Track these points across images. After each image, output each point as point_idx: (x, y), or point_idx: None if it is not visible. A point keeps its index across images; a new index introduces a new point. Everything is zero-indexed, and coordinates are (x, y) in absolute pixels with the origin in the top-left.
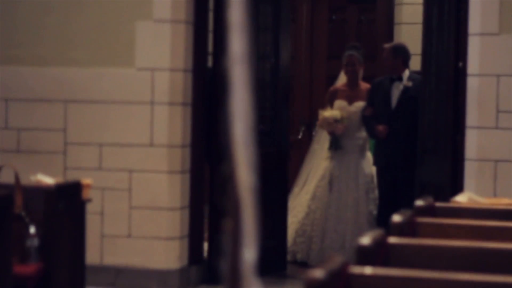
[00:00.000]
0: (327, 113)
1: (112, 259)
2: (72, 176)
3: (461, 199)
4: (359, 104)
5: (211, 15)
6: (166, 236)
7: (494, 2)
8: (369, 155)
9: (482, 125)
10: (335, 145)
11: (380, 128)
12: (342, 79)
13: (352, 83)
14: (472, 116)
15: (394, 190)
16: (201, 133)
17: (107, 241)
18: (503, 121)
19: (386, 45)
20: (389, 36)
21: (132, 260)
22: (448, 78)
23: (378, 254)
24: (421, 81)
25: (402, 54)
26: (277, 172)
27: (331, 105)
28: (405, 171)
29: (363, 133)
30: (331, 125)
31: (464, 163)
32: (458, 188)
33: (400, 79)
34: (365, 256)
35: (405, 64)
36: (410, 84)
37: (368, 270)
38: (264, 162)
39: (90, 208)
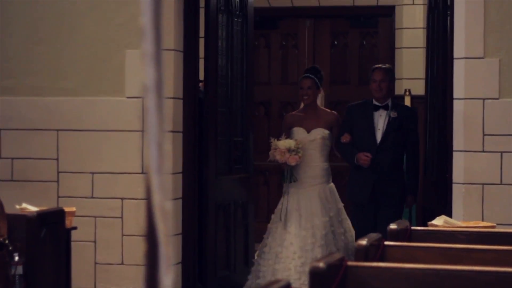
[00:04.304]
0: (281, 143)
1: (105, 286)
2: (65, 204)
3: (437, 222)
4: (319, 131)
5: (201, 43)
6: None
7: (478, 26)
8: (333, 186)
9: (468, 148)
10: (290, 177)
11: (363, 156)
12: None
13: (309, 108)
14: (458, 140)
15: (374, 227)
16: (192, 161)
17: (100, 269)
18: (489, 144)
19: (379, 69)
20: (391, 60)
21: (125, 287)
22: (437, 102)
23: (334, 277)
24: (408, 109)
25: (393, 78)
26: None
27: (287, 132)
28: (391, 206)
29: (325, 163)
30: (284, 155)
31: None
32: (447, 212)
33: (386, 107)
34: (319, 279)
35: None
36: (396, 114)
37: None
38: (237, 187)
39: (83, 236)
